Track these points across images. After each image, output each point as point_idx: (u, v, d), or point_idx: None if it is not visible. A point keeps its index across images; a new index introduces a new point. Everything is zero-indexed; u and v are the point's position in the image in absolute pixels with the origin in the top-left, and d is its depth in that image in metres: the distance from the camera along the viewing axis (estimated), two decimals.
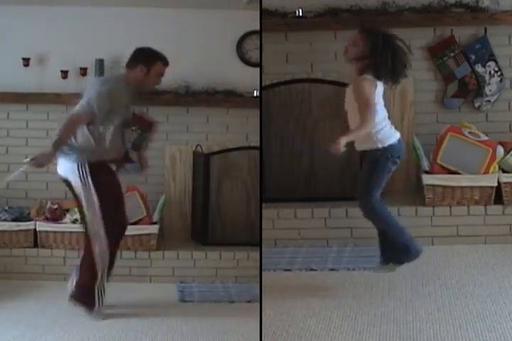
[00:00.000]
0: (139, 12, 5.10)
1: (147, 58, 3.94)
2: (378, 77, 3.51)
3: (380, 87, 3.56)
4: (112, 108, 3.81)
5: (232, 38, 5.26)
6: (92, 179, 3.80)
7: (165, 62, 3.99)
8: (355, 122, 3.54)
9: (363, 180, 3.64)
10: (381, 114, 3.56)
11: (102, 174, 3.85)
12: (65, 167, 3.87)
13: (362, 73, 3.52)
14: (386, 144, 3.54)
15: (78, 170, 3.81)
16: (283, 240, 4.65)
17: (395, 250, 3.63)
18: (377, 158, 3.57)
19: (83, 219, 3.90)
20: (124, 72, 4.00)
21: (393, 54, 3.49)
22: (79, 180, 3.82)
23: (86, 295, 3.84)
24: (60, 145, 3.72)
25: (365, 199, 3.59)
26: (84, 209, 3.84)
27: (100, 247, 3.81)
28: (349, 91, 3.60)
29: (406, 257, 3.63)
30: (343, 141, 3.40)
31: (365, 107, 3.46)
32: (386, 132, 3.56)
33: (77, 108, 3.77)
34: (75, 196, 3.90)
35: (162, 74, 4.02)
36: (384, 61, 3.47)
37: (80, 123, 3.77)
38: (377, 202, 3.60)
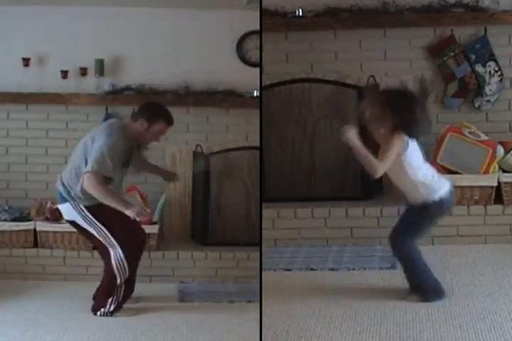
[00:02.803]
0: (139, 12, 5.10)
1: (151, 114, 3.89)
2: (411, 135, 3.33)
3: (412, 144, 3.37)
4: (119, 157, 3.79)
5: (232, 38, 5.25)
6: (96, 218, 3.81)
7: (169, 122, 3.92)
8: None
9: (402, 225, 3.54)
10: (425, 170, 3.46)
11: (105, 211, 3.78)
12: (67, 212, 3.89)
13: (393, 132, 3.32)
14: (437, 197, 3.43)
15: (79, 214, 3.83)
16: (283, 240, 4.64)
17: (419, 288, 3.56)
18: (427, 210, 3.46)
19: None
20: (126, 122, 3.97)
21: (413, 109, 3.30)
22: (84, 222, 3.85)
23: (100, 298, 3.94)
24: (124, 203, 3.71)
25: (399, 243, 3.52)
26: (101, 239, 3.86)
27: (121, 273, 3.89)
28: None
29: (428, 297, 3.52)
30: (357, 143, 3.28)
31: (385, 156, 3.30)
32: (436, 185, 3.46)
33: (90, 167, 3.68)
34: (86, 234, 3.95)
35: (162, 133, 3.96)
36: (411, 117, 3.29)
37: (102, 180, 3.69)
38: (412, 247, 3.51)
